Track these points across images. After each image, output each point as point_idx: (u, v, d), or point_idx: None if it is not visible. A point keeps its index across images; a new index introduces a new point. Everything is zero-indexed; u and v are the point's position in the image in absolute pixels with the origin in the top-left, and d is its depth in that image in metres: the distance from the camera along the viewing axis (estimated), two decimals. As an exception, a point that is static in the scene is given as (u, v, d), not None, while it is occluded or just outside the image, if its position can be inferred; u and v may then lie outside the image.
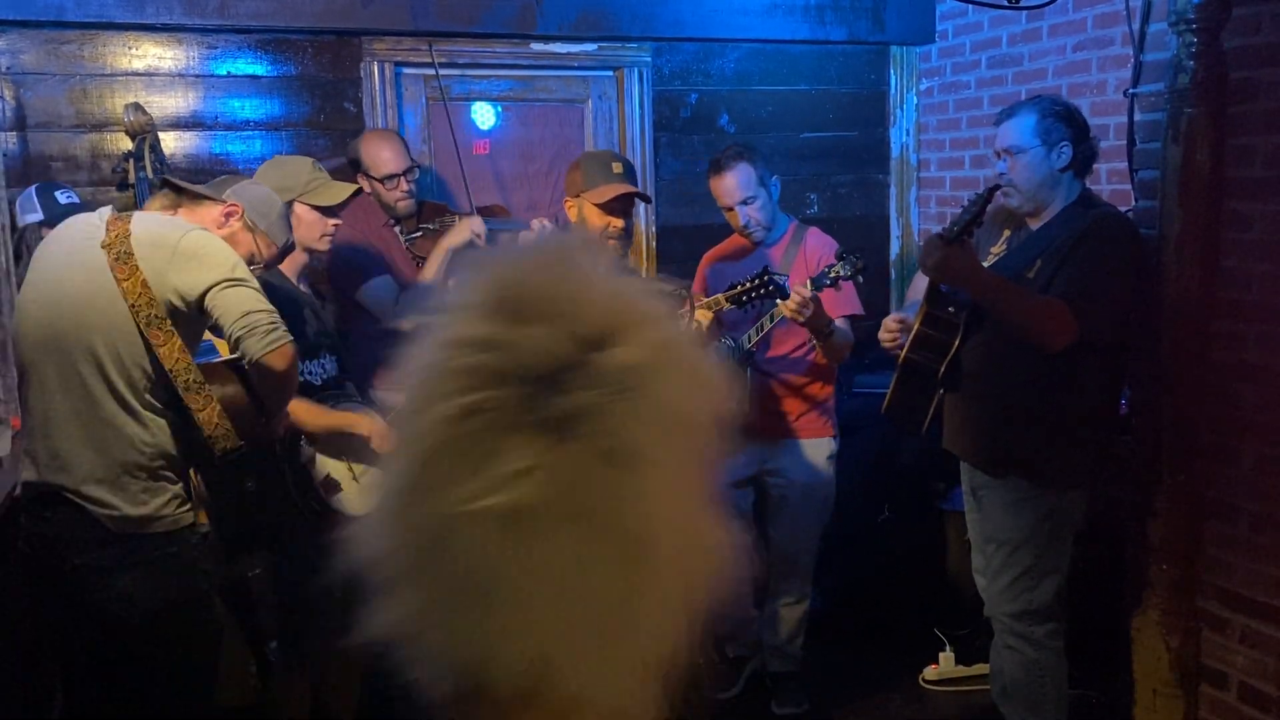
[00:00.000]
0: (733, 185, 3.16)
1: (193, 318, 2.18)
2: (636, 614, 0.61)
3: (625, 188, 2.63)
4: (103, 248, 2.14)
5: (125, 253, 2.12)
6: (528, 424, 0.59)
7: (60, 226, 2.33)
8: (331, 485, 2.68)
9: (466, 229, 3.21)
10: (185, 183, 2.43)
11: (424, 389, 0.63)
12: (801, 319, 2.89)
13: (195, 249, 2.15)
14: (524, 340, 0.60)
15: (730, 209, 3.21)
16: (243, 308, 2.13)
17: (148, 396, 2.17)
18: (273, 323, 2.15)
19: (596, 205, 2.64)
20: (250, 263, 2.39)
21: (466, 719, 0.65)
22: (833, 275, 2.89)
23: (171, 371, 2.14)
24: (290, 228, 2.54)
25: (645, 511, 0.61)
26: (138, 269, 2.11)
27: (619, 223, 2.66)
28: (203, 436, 2.17)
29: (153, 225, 2.21)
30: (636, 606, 0.61)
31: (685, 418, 0.63)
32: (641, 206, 2.71)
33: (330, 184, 2.79)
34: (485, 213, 3.47)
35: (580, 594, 0.60)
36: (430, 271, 3.21)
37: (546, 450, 0.59)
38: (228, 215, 2.36)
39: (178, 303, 2.14)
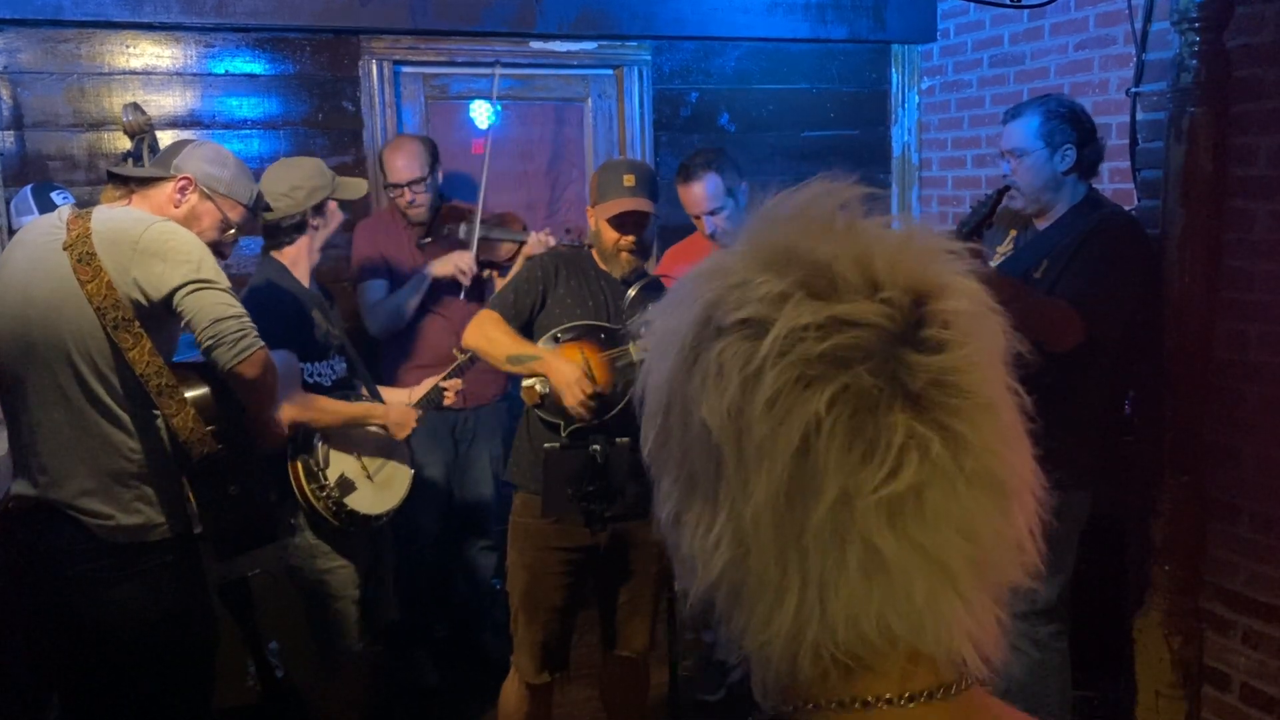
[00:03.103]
0: (700, 196, 3.20)
1: (160, 316, 2.11)
2: (1001, 555, 0.64)
3: (631, 204, 2.54)
4: (64, 249, 2.07)
5: (88, 253, 2.05)
6: (890, 397, 0.60)
7: (21, 230, 2.26)
8: (347, 485, 2.67)
9: (451, 264, 3.39)
10: (126, 168, 2.34)
11: (762, 386, 0.60)
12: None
13: (158, 245, 2.08)
14: (863, 314, 0.61)
15: (697, 217, 3.26)
16: (211, 315, 2.06)
17: (128, 401, 2.12)
18: (241, 330, 2.09)
19: (606, 220, 2.59)
20: (223, 230, 2.32)
21: (808, 697, 0.65)
22: None
23: (143, 376, 2.09)
24: (253, 179, 2.43)
25: (1002, 455, 0.63)
26: (101, 269, 2.04)
27: (627, 240, 2.58)
28: (179, 441, 2.13)
29: (113, 221, 2.12)
30: (1001, 548, 0.64)
31: (1004, 357, 0.66)
32: None
33: (348, 179, 2.83)
34: (496, 220, 3.58)
35: (968, 552, 0.62)
36: (406, 290, 3.38)
37: (914, 420, 0.60)
38: (181, 190, 2.26)
39: (142, 300, 2.07)
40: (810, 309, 0.61)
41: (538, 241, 3.43)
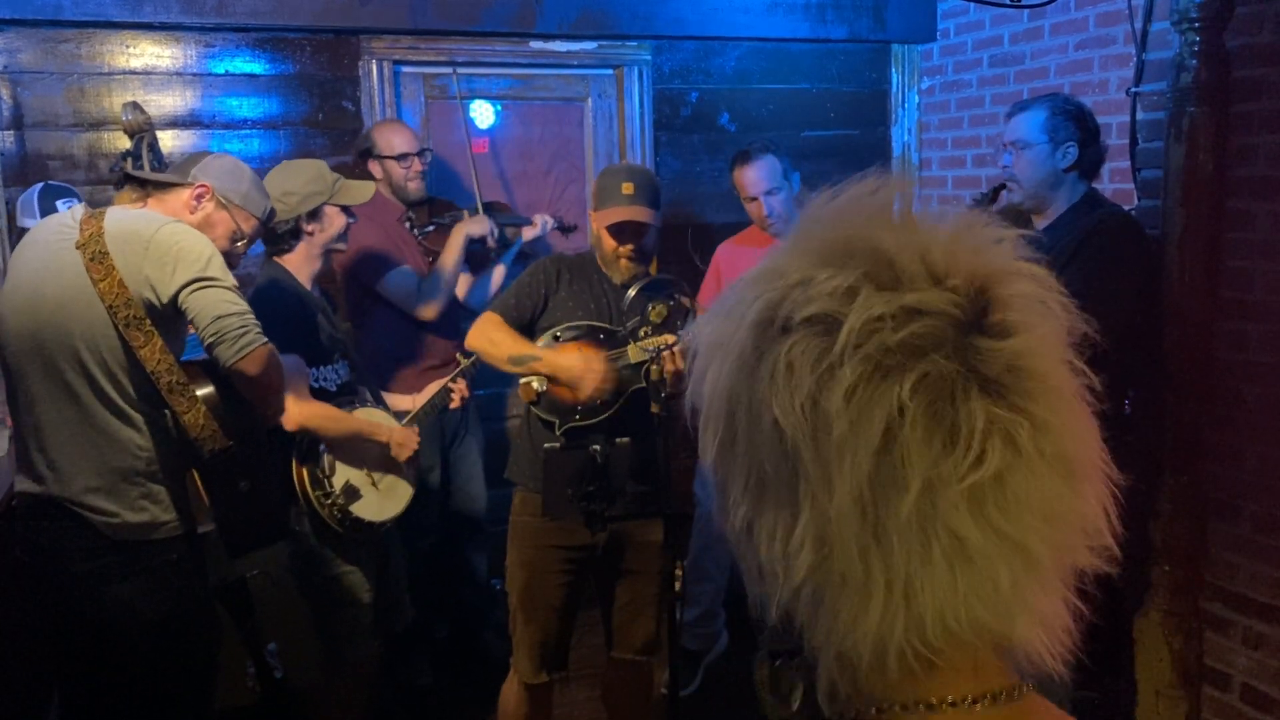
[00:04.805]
0: (759, 176, 3.25)
1: (170, 315, 2.12)
2: (1075, 538, 0.64)
3: (628, 213, 2.52)
4: (77, 248, 2.08)
5: (100, 252, 2.06)
6: (967, 383, 0.60)
7: (33, 229, 2.27)
8: (352, 493, 2.66)
9: (484, 222, 3.43)
10: (146, 172, 2.35)
11: (839, 379, 0.60)
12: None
13: (168, 245, 2.09)
14: (933, 303, 0.61)
15: (754, 199, 3.29)
16: (213, 312, 2.06)
17: (136, 399, 2.12)
18: (243, 327, 2.09)
19: (605, 228, 2.57)
20: (234, 240, 2.34)
21: (879, 693, 0.65)
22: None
23: (154, 373, 2.09)
24: (267, 195, 2.45)
25: (1076, 435, 0.63)
26: (113, 268, 2.06)
27: (626, 249, 2.56)
28: (189, 438, 2.14)
29: (126, 222, 2.14)
30: (1076, 530, 0.64)
31: (1067, 338, 0.66)
32: None
33: (351, 183, 2.80)
34: (489, 208, 3.63)
35: (1048, 535, 0.62)
36: (450, 258, 3.36)
37: (992, 405, 0.60)
38: (198, 197, 2.29)
39: (154, 300, 2.08)
40: (881, 300, 0.61)
41: (543, 222, 3.59)
